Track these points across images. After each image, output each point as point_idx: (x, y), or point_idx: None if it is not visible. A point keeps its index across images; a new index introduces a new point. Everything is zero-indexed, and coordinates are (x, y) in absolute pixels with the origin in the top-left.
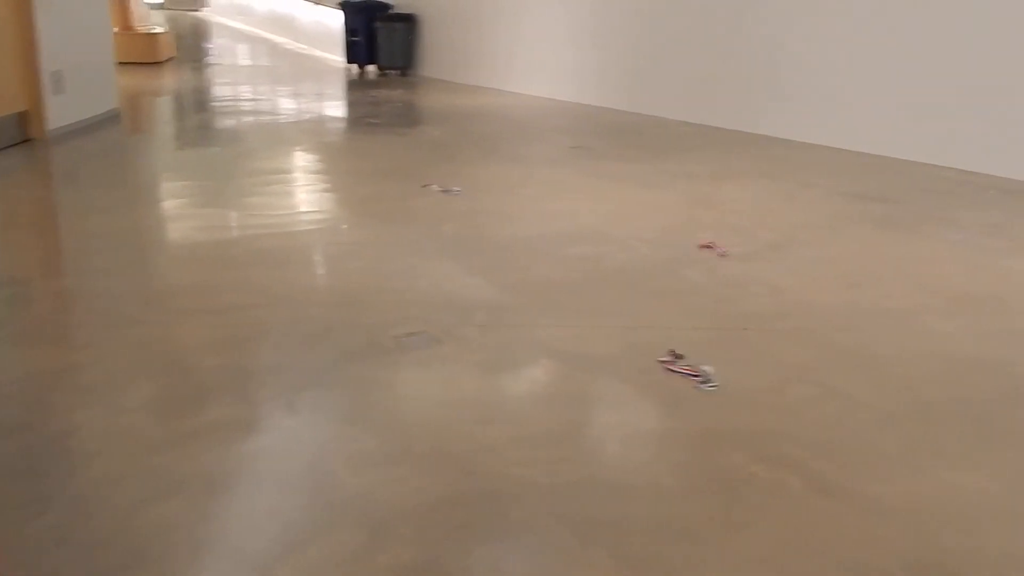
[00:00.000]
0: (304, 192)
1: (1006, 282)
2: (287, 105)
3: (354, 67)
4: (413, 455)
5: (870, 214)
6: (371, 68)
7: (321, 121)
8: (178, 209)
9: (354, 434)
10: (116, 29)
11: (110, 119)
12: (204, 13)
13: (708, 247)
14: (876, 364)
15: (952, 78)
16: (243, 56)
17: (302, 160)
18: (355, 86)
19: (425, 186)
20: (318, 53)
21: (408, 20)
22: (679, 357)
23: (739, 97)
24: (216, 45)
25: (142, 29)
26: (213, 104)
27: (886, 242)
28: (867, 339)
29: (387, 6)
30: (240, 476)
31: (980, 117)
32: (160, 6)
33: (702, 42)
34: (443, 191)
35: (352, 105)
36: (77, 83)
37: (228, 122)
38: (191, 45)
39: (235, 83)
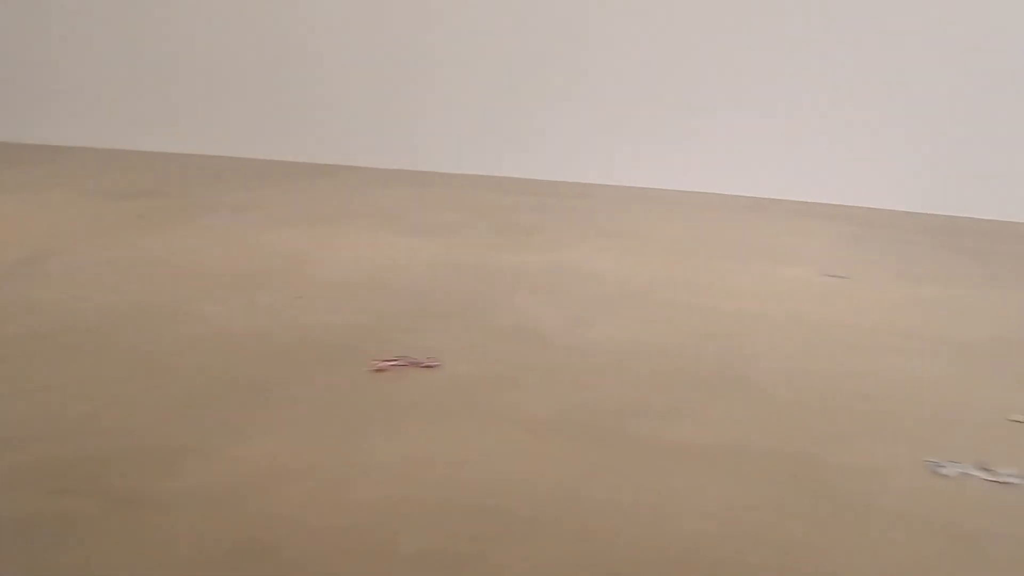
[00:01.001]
0: None
1: (261, 256)
2: None
3: None
4: None
5: (133, 211)
6: None
7: None
8: None
9: None
10: None
11: None
12: None
13: None
14: (152, 362)
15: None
16: None
17: None
18: None
19: None
20: None
21: None
22: None
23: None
24: None
25: None
26: None
27: (151, 236)
28: (136, 340)
29: None
30: None
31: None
32: None
33: None
34: None
35: None
36: None
37: None
38: None
39: None
